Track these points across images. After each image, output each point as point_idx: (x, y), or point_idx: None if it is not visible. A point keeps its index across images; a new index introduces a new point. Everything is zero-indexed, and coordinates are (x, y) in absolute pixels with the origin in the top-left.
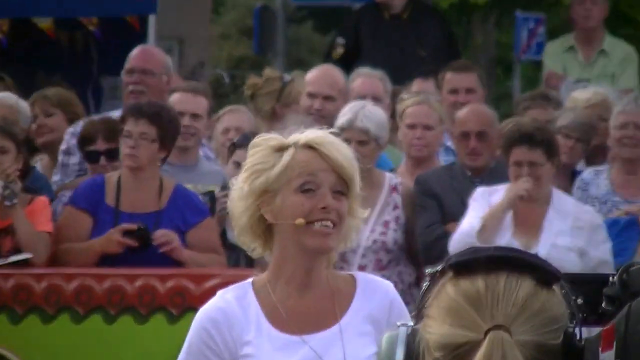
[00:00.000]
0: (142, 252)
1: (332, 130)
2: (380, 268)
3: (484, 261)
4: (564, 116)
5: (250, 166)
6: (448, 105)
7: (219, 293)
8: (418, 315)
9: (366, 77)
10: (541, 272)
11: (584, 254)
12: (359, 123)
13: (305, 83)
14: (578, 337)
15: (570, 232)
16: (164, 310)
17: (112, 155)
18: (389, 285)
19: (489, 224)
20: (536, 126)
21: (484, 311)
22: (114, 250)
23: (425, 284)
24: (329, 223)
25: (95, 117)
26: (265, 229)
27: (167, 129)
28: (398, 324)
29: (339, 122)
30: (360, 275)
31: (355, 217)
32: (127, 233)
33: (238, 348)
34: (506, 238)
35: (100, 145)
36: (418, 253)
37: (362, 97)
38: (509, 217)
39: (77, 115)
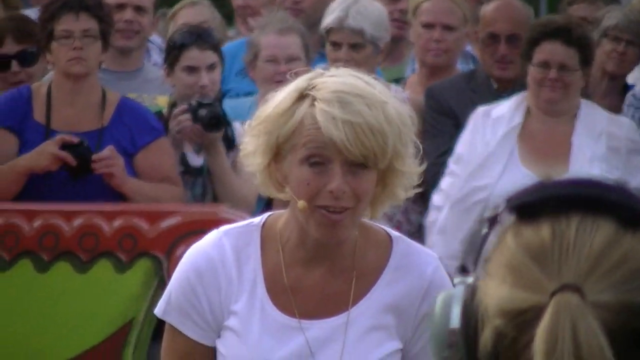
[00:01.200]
0: (78, 178)
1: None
2: None
3: (553, 201)
4: (611, 14)
5: (267, 117)
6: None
7: (218, 233)
8: (478, 269)
9: None
10: (626, 211)
11: None
12: (351, 22)
13: None
14: None
15: (606, 156)
16: (110, 256)
17: (26, 59)
18: (430, 262)
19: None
20: (573, 21)
21: (550, 267)
22: (45, 167)
23: (483, 231)
24: (338, 210)
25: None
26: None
27: (109, 23)
28: (456, 280)
29: (325, 22)
30: (400, 244)
31: (402, 175)
32: (65, 147)
33: (225, 315)
34: (515, 166)
35: (10, 47)
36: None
37: None
38: (513, 139)
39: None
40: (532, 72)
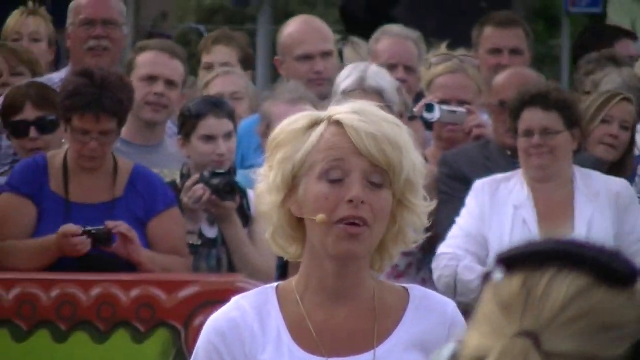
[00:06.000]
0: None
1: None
2: (397, 275)
3: (531, 256)
4: (609, 79)
5: (281, 154)
6: (487, 68)
7: (234, 299)
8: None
9: (397, 38)
10: (603, 268)
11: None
12: (371, 82)
13: (291, 44)
14: None
15: (606, 215)
16: (127, 326)
17: (45, 126)
18: (449, 303)
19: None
20: (553, 87)
21: (514, 315)
22: (78, 252)
23: (479, 286)
24: (357, 221)
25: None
26: (301, 227)
27: (128, 110)
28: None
29: (343, 85)
30: (416, 290)
31: (413, 211)
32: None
33: None
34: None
35: (29, 113)
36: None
37: (392, 66)
38: (529, 207)
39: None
40: (520, 143)
